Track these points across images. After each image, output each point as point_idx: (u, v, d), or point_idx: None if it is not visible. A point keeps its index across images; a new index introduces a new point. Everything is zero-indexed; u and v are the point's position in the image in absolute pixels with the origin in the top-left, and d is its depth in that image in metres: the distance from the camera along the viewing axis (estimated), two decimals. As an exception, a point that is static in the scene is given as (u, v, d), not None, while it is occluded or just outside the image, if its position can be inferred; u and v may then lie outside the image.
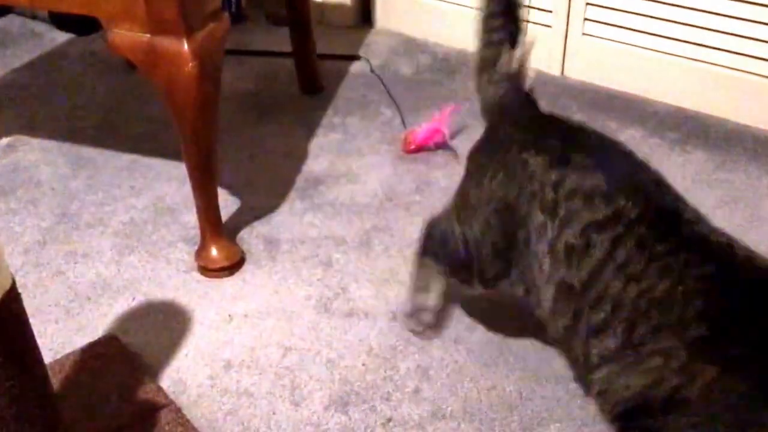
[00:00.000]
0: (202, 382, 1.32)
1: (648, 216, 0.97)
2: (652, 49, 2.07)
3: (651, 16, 2.04)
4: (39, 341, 0.94)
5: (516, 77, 1.22)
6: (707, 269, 0.93)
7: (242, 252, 1.58)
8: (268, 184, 1.81)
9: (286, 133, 2.02)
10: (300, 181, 1.82)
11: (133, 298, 1.49)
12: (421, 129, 1.92)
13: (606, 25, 2.12)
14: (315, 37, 2.16)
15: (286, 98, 2.18)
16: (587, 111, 2.06)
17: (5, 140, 1.99)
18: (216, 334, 1.41)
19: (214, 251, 1.53)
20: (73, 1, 1.38)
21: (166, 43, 1.32)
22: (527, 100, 1.22)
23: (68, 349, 1.36)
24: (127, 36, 1.34)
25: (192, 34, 1.32)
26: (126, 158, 1.91)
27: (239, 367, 1.34)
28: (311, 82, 2.19)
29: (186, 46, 1.31)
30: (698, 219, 1.00)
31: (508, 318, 1.40)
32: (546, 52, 2.23)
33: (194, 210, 1.52)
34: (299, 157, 1.91)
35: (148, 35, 1.33)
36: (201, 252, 1.54)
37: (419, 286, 1.35)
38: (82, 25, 2.50)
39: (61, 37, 2.54)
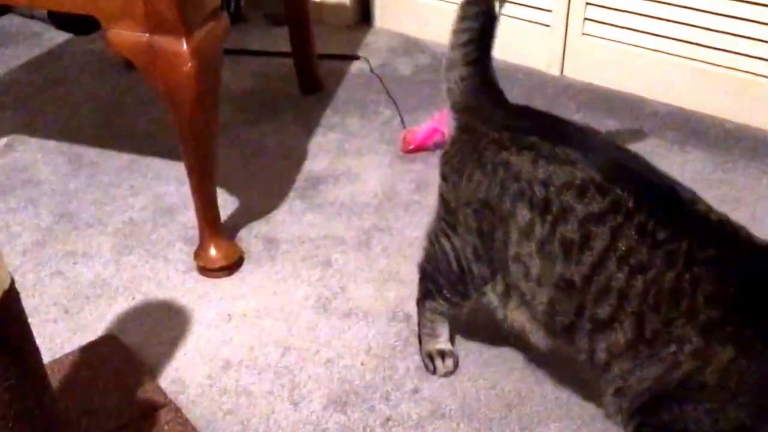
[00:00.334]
0: (201, 381, 1.32)
1: (645, 203, 0.96)
2: (652, 49, 2.07)
3: (651, 16, 2.03)
4: (38, 341, 0.94)
5: (484, 72, 1.21)
6: (712, 252, 0.92)
7: (241, 252, 1.58)
8: (268, 184, 1.81)
9: (286, 132, 2.02)
10: (299, 180, 1.82)
11: (133, 298, 1.49)
12: (420, 129, 1.92)
13: (606, 25, 2.12)
14: (314, 37, 2.16)
15: (285, 98, 2.18)
16: (587, 111, 2.06)
17: (4, 140, 1.99)
18: (215, 334, 1.41)
19: (213, 251, 1.53)
20: (72, 1, 1.38)
21: (165, 42, 1.32)
22: (497, 94, 1.20)
23: (67, 349, 1.36)
24: (126, 35, 1.34)
25: (191, 34, 1.32)
26: (125, 158, 1.91)
27: (238, 367, 1.34)
28: (310, 81, 2.19)
29: (185, 46, 1.31)
30: (695, 198, 0.99)
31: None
32: (545, 51, 2.23)
33: (193, 210, 1.52)
34: (298, 156, 1.91)
35: (147, 35, 1.32)
36: (200, 252, 1.54)
37: (427, 333, 1.33)
38: (81, 25, 2.49)
39: (60, 36, 2.54)
